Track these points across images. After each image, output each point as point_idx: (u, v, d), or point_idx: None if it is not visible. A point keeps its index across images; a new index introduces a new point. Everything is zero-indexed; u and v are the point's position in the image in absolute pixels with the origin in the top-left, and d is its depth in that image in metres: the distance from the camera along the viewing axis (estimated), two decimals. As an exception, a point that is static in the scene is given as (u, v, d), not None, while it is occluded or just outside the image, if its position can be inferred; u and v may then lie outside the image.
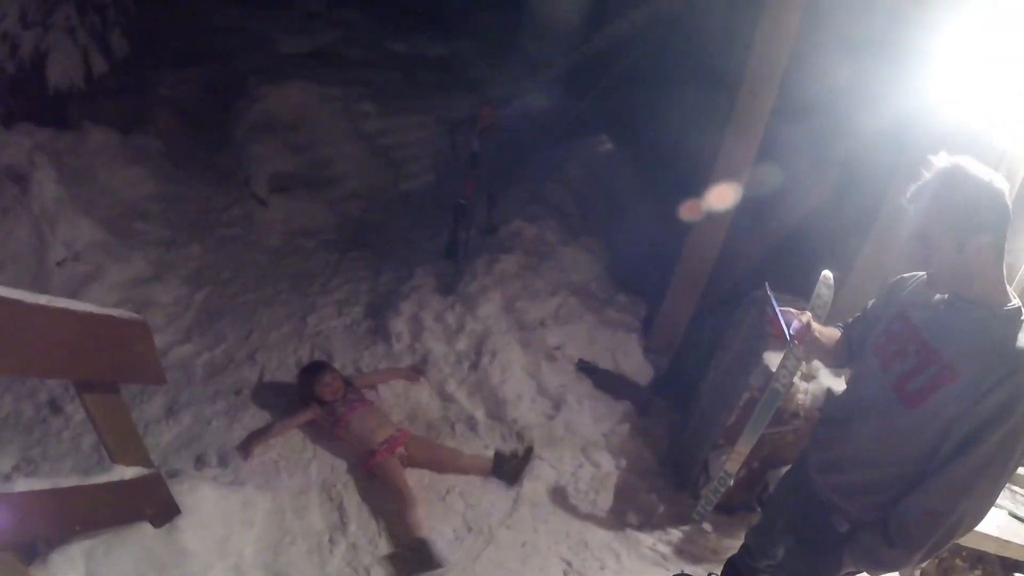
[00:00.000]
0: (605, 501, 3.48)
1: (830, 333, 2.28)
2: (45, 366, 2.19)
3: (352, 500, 3.27)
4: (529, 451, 3.53)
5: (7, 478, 3.21)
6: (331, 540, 3.05)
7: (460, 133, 4.91)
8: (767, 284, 2.43)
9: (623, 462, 3.65)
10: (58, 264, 4.48)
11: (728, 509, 3.46)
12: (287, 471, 3.35)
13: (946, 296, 1.83)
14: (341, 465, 3.45)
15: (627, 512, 3.44)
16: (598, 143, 6.52)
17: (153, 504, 2.64)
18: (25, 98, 5.21)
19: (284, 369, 4.03)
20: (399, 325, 4.19)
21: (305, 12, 9.06)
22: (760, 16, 3.54)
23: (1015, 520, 2.80)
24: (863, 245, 3.49)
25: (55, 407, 3.64)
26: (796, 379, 2.96)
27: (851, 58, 3.66)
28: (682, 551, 3.29)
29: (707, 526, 3.39)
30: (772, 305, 2.29)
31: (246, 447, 3.40)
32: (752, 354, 3.27)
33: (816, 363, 3.20)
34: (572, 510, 3.40)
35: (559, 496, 3.46)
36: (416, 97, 7.43)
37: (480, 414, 3.84)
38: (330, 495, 3.28)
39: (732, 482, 3.14)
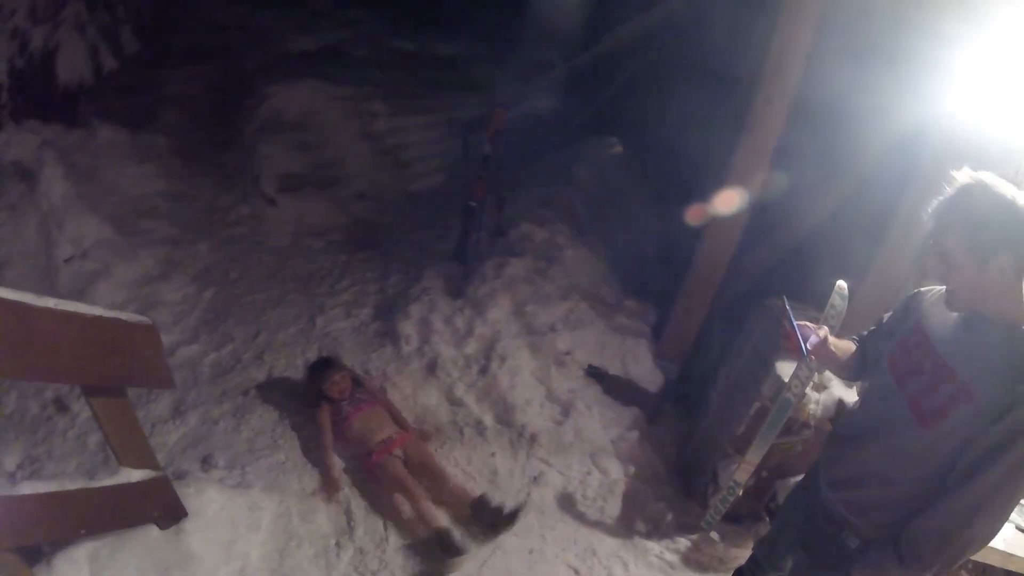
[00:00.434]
0: (613, 508, 3.46)
1: (845, 346, 2.25)
2: (52, 370, 2.16)
3: (359, 504, 3.25)
4: (513, 515, 3.18)
5: (11, 476, 3.21)
6: (338, 544, 3.03)
7: (472, 135, 4.89)
8: (784, 297, 2.41)
9: (631, 469, 3.63)
10: (65, 261, 4.47)
11: (736, 518, 3.46)
12: (294, 474, 3.32)
13: (963, 314, 1.80)
14: (349, 468, 3.43)
15: (635, 520, 3.42)
16: (607, 146, 6.51)
17: (160, 507, 2.62)
18: (34, 94, 5.19)
19: (292, 370, 4.02)
20: (408, 328, 4.18)
21: (313, 10, 9.04)
22: (775, 24, 3.53)
23: (1021, 533, 2.78)
24: (875, 255, 3.48)
25: (61, 405, 3.63)
26: (808, 389, 2.94)
27: (866, 67, 3.65)
28: (689, 560, 3.27)
29: (715, 535, 3.38)
30: (789, 318, 2.25)
31: (329, 485, 3.28)
32: (763, 363, 3.26)
33: (828, 374, 3.18)
34: (580, 517, 3.39)
35: (567, 503, 3.45)
36: (424, 97, 7.40)
37: (489, 419, 3.82)
38: (337, 499, 3.26)
39: (741, 491, 3.14)
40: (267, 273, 5.06)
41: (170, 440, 3.49)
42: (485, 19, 9.03)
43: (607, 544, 3.27)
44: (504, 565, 3.07)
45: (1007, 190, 1.67)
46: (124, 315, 2.30)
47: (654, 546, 3.31)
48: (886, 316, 2.19)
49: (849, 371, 2.31)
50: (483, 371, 3.97)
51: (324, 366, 3.67)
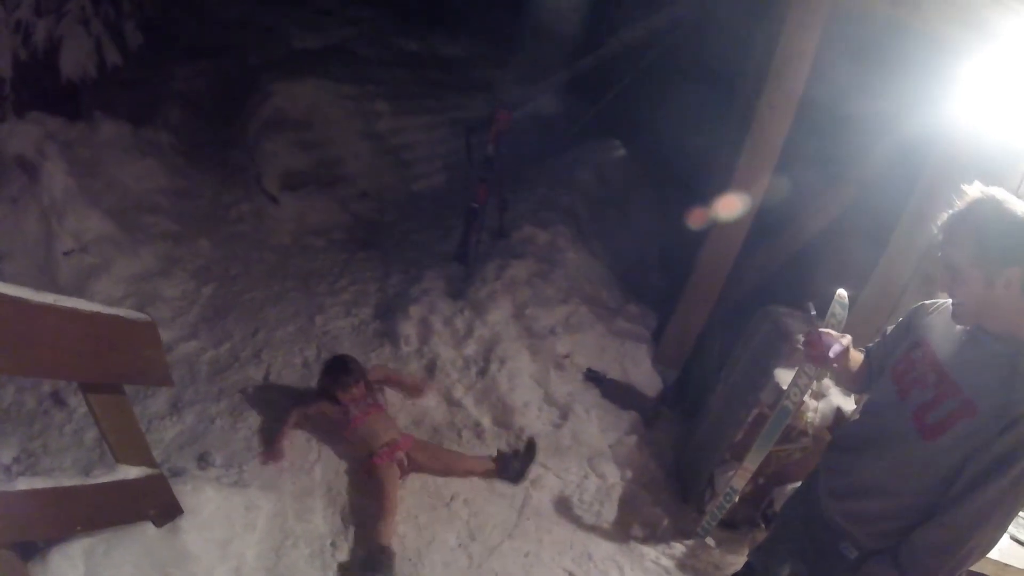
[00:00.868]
0: (610, 513, 3.46)
1: (856, 357, 2.25)
2: (50, 366, 2.15)
3: (356, 505, 3.24)
4: (531, 446, 3.51)
5: (7, 470, 3.20)
6: (333, 544, 3.03)
7: (475, 136, 4.89)
8: (811, 303, 2.39)
9: (629, 474, 3.63)
10: (65, 255, 4.46)
11: (732, 525, 3.46)
12: (291, 473, 3.31)
13: (969, 328, 1.80)
14: (345, 468, 3.43)
15: (632, 524, 3.42)
16: (610, 149, 6.51)
17: (156, 504, 2.62)
18: (37, 87, 5.18)
19: (290, 369, 4.01)
20: (408, 328, 4.18)
21: (317, 8, 9.04)
22: (780, 30, 3.53)
23: (1016, 544, 2.78)
24: (877, 262, 3.48)
25: (58, 399, 3.62)
26: (806, 397, 2.94)
27: (869, 74, 3.65)
28: (685, 565, 3.27)
29: (711, 541, 3.38)
30: (815, 326, 2.23)
31: (273, 449, 3.35)
32: (762, 370, 3.26)
33: (826, 382, 3.18)
34: (577, 521, 3.38)
35: (564, 506, 3.44)
36: (428, 97, 7.40)
37: (487, 421, 3.82)
38: (334, 499, 3.26)
39: (738, 498, 3.14)
40: (267, 271, 5.05)
41: (167, 437, 3.48)
42: (489, 20, 9.03)
43: (603, 548, 3.27)
44: (501, 568, 3.06)
45: (1017, 206, 1.68)
46: (123, 312, 2.30)
47: (650, 551, 3.31)
48: (890, 328, 2.19)
49: (859, 383, 2.31)
50: (482, 373, 3.97)
51: (342, 371, 3.56)
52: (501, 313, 4.18)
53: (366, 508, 3.21)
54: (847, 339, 2.18)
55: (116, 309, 2.28)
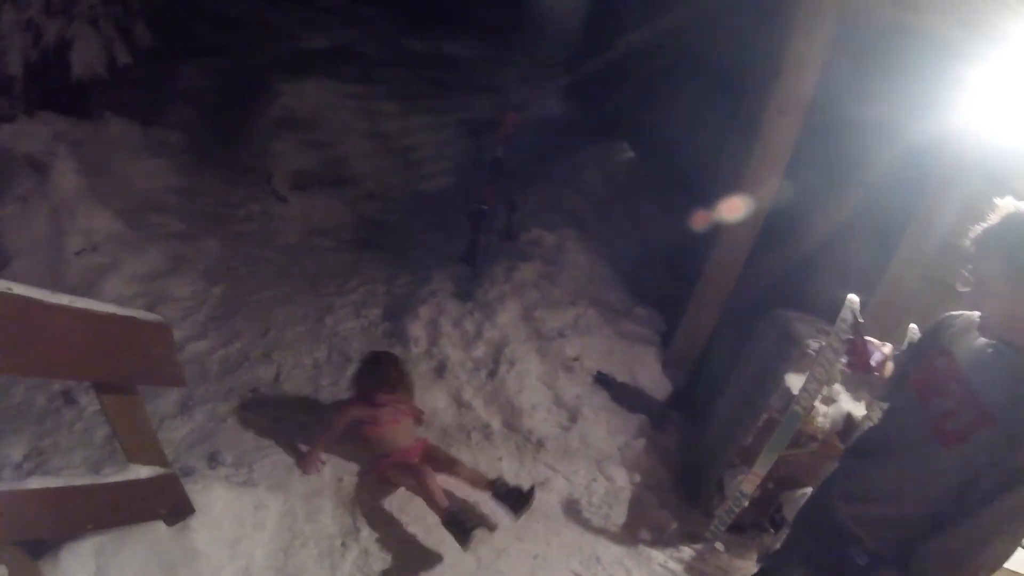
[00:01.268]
0: (618, 516, 3.46)
1: (890, 365, 2.24)
2: (65, 367, 2.15)
3: (365, 504, 3.25)
4: (532, 492, 3.21)
5: (17, 467, 3.21)
6: (343, 544, 3.04)
7: (484, 137, 4.90)
8: (856, 302, 2.37)
9: (637, 477, 3.64)
10: (76, 254, 4.48)
11: (740, 529, 3.46)
12: (300, 473, 3.33)
13: (993, 341, 1.80)
14: (355, 469, 3.41)
15: (639, 528, 3.43)
16: (617, 151, 6.51)
17: (167, 503, 2.62)
18: (47, 87, 5.21)
19: (300, 369, 4.01)
20: (417, 329, 4.19)
21: (323, 7, 9.06)
22: (789, 34, 3.53)
23: (1024, 551, 2.77)
24: (886, 267, 3.47)
25: (69, 398, 3.62)
26: (816, 402, 2.94)
27: (879, 78, 3.64)
28: (693, 569, 3.27)
29: (719, 545, 3.37)
30: (860, 333, 2.21)
31: (312, 457, 3.24)
32: (771, 374, 3.26)
33: (836, 387, 3.18)
34: (585, 524, 3.39)
35: (572, 509, 3.45)
36: (435, 97, 7.42)
37: (496, 423, 3.83)
38: (343, 499, 3.26)
39: (747, 502, 3.14)
40: (276, 271, 5.06)
41: (176, 436, 3.48)
42: (495, 20, 9.05)
43: (611, 551, 3.27)
44: (509, 570, 3.07)
45: None
46: (137, 313, 2.30)
47: (658, 554, 3.31)
48: (916, 336, 2.18)
49: (885, 391, 2.30)
50: (491, 375, 3.98)
51: (389, 369, 3.36)
52: (510, 315, 4.19)
53: (395, 504, 3.25)
54: (888, 347, 2.19)
55: (130, 310, 2.28)
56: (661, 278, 4.67)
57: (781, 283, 4.14)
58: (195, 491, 2.75)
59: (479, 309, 4.24)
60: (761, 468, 3.00)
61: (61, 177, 4.61)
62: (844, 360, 2.30)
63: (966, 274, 1.81)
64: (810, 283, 3.87)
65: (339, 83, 6.74)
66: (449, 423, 3.82)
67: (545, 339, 4.13)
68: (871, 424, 2.83)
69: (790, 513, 3.16)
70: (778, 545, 2.75)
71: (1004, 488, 1.67)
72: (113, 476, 2.40)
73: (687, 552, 3.35)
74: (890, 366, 2.20)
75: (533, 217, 5.20)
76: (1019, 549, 2.67)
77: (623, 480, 3.61)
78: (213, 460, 3.36)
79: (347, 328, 4.40)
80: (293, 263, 5.20)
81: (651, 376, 4.12)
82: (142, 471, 2.45)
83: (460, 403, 3.91)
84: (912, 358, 2.10)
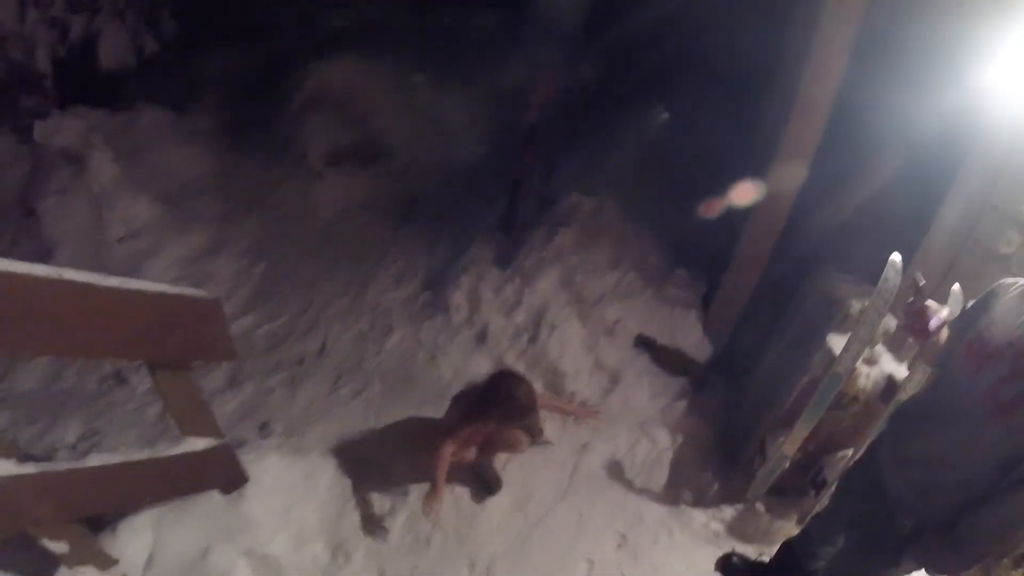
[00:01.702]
0: (660, 477, 3.51)
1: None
2: (118, 347, 2.21)
3: (413, 470, 3.32)
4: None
5: (72, 448, 3.34)
6: (393, 508, 3.12)
7: (517, 105, 4.88)
8: (919, 273, 2.34)
9: (679, 439, 3.66)
10: (119, 241, 4.61)
11: (781, 491, 3.44)
12: (349, 440, 3.41)
13: None
14: (404, 433, 3.50)
15: (681, 489, 3.47)
16: (653, 113, 6.42)
17: (222, 473, 2.72)
18: (78, 81, 5.32)
19: (345, 340, 4.12)
20: (458, 298, 4.24)
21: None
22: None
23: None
24: (927, 230, 3.41)
25: (120, 379, 3.76)
26: (858, 363, 2.92)
27: (925, 40, 3.54)
28: (734, 530, 3.31)
29: (760, 507, 3.38)
30: (922, 297, 2.15)
31: (436, 496, 2.99)
32: (813, 335, 3.24)
33: (878, 348, 3.15)
34: (628, 485, 3.44)
35: (615, 471, 3.50)
36: (466, 68, 7.37)
37: (539, 387, 3.80)
38: (391, 465, 3.33)
39: (787, 464, 3.15)
40: (316, 246, 5.15)
41: (227, 410, 3.60)
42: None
43: (654, 512, 3.32)
44: (554, 529, 3.14)
45: None
46: (188, 290, 2.36)
47: (700, 515, 3.35)
48: (970, 303, 2.15)
49: (942, 356, 2.23)
50: (533, 340, 4.02)
51: (527, 403, 3.05)
52: (550, 281, 4.21)
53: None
54: (946, 311, 2.15)
55: (180, 288, 2.34)
56: (702, 240, 4.61)
57: (822, 244, 4.08)
58: (248, 461, 2.85)
59: (519, 276, 4.27)
60: (802, 430, 2.99)
61: (98, 168, 4.75)
62: (903, 324, 2.25)
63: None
64: (851, 245, 3.81)
65: (367, 59, 6.72)
66: (492, 389, 3.87)
67: (586, 304, 4.14)
68: (912, 386, 2.80)
69: (831, 475, 3.15)
70: (820, 507, 2.74)
71: None
72: (169, 449, 2.47)
73: (728, 513, 3.38)
74: (946, 331, 2.17)
75: (570, 182, 5.18)
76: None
77: (665, 442, 3.64)
78: (264, 430, 3.48)
79: (389, 299, 4.48)
80: (332, 238, 5.28)
81: (692, 338, 4.10)
82: (197, 443, 2.53)
83: (503, 369, 3.95)
84: (966, 323, 2.06)
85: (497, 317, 4.13)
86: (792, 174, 3.69)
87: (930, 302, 2.15)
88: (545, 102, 4.65)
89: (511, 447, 3.27)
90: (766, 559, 2.98)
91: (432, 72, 7.02)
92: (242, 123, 6.43)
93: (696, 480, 3.51)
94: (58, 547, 2.26)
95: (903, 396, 2.70)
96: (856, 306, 3.08)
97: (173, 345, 2.30)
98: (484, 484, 3.21)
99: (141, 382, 3.76)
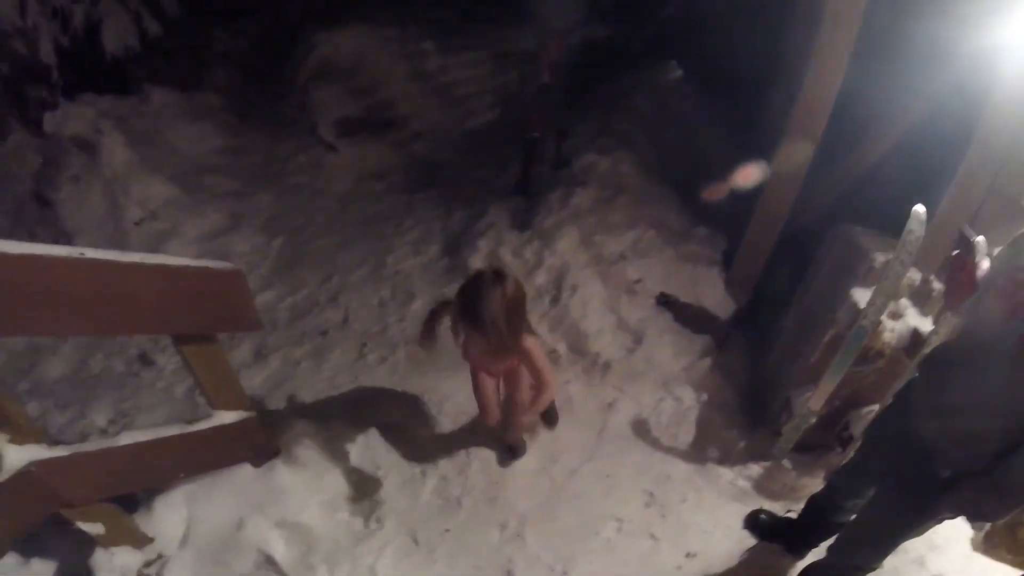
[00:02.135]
0: (686, 435, 3.51)
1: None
2: (145, 323, 2.21)
3: (442, 433, 3.37)
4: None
5: (103, 432, 3.37)
6: (423, 473, 3.15)
7: (526, 67, 4.82)
8: (922, 214, 2.27)
9: (704, 396, 3.66)
10: (136, 224, 4.63)
11: (807, 447, 3.43)
12: (377, 407, 3.43)
13: None
14: (431, 398, 3.53)
15: (707, 446, 3.46)
16: (666, 71, 6.33)
17: (253, 445, 2.75)
18: (84, 69, 5.31)
19: (367, 309, 4.13)
20: (478, 261, 4.24)
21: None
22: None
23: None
24: (950, 180, 3.35)
25: (146, 360, 3.79)
26: (883, 317, 2.89)
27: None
28: (761, 487, 3.31)
29: (786, 463, 3.38)
30: (972, 252, 2.05)
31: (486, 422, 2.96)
32: (838, 290, 3.21)
33: (904, 301, 3.12)
34: (654, 443, 3.44)
35: (641, 429, 3.50)
36: (473, 33, 7.27)
37: (562, 348, 3.87)
38: (419, 429, 3.37)
39: (814, 420, 3.13)
40: (332, 217, 5.15)
41: (255, 383, 3.64)
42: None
43: (681, 470, 3.32)
44: (581, 489, 3.16)
45: None
46: (210, 263, 2.36)
47: (726, 472, 3.35)
48: (996, 250, 2.10)
49: (971, 306, 2.21)
50: (555, 301, 4.02)
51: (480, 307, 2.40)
52: (569, 241, 4.19)
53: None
54: (986, 263, 2.07)
55: (203, 261, 2.35)
56: (721, 196, 4.55)
57: (843, 198, 4.03)
58: (277, 431, 2.90)
59: (538, 238, 4.25)
60: (828, 385, 2.97)
61: (110, 153, 4.77)
62: (948, 276, 2.19)
63: None
64: (873, 197, 3.76)
65: (374, 27, 6.67)
66: (516, 351, 3.88)
67: (606, 263, 4.12)
68: (938, 340, 2.76)
69: (857, 431, 3.14)
70: (847, 460, 2.73)
71: None
72: (200, 424, 2.50)
73: (755, 470, 3.37)
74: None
75: (585, 143, 5.13)
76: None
77: (690, 400, 3.63)
78: (292, 401, 3.51)
79: (408, 266, 4.48)
80: (348, 209, 5.28)
81: (714, 296, 4.08)
82: (227, 416, 2.56)
83: (526, 330, 3.95)
84: (995, 272, 2.02)
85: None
86: (813, 124, 3.63)
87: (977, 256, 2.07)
88: (553, 64, 4.58)
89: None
90: (794, 515, 2.98)
91: (439, 38, 6.94)
92: (251, 99, 6.43)
93: (722, 438, 3.50)
94: (93, 528, 2.31)
95: (927, 351, 2.67)
96: (880, 259, 3.04)
97: (198, 318, 2.32)
98: (509, 448, 3.23)
99: (168, 362, 3.80)
